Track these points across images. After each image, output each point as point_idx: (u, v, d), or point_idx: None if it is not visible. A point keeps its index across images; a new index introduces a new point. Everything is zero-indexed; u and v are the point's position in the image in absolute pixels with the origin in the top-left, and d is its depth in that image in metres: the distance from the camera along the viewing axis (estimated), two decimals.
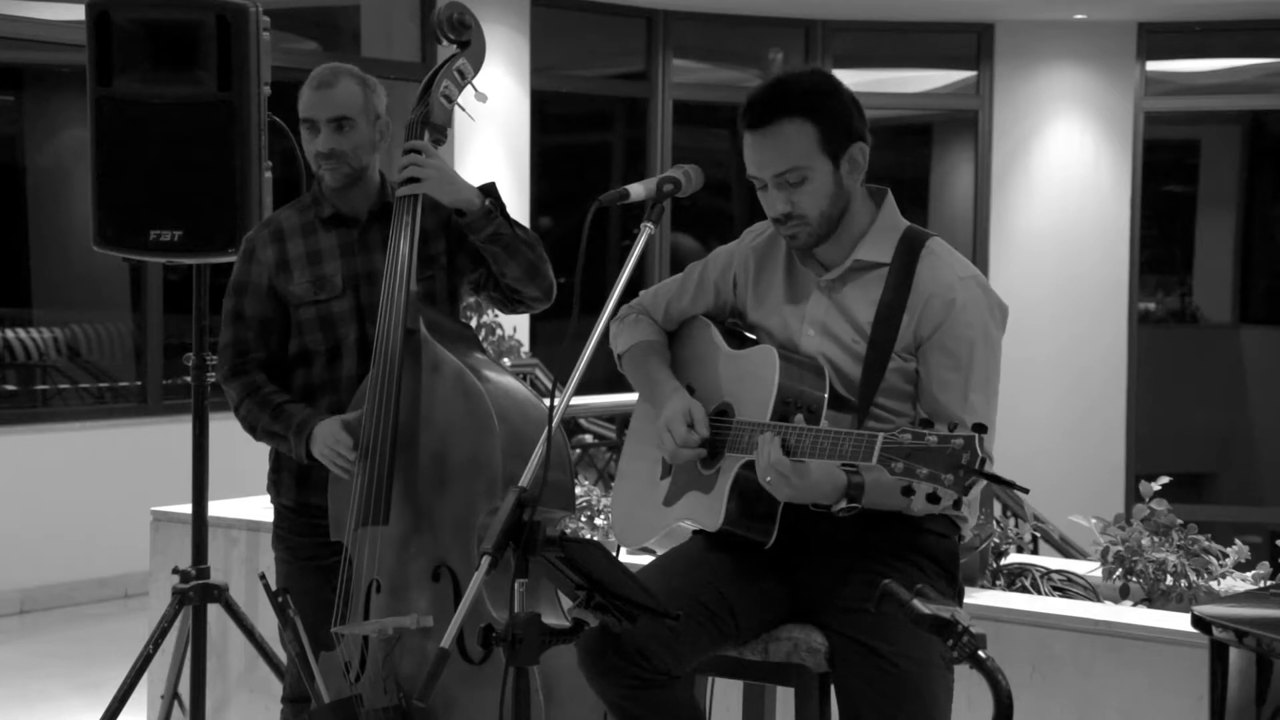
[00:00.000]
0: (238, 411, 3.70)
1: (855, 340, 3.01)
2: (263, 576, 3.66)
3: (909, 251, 3.02)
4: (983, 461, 2.55)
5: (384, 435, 3.45)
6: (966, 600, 3.93)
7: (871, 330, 2.99)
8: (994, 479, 2.58)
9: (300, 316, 3.69)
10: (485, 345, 8.71)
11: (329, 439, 3.51)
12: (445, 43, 3.73)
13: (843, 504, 2.88)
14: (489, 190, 3.61)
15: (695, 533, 3.14)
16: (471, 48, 3.73)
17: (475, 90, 3.74)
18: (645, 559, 3.28)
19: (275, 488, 3.81)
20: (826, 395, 2.95)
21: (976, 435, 2.55)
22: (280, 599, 3.54)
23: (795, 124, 2.95)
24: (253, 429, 3.68)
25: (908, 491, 2.59)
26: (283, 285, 3.69)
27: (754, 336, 3.19)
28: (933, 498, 2.58)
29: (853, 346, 3.01)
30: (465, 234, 3.71)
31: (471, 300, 3.92)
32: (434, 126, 3.67)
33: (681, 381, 3.18)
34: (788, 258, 3.14)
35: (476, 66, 3.73)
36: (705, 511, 3.02)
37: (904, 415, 3.00)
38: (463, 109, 3.74)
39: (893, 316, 2.98)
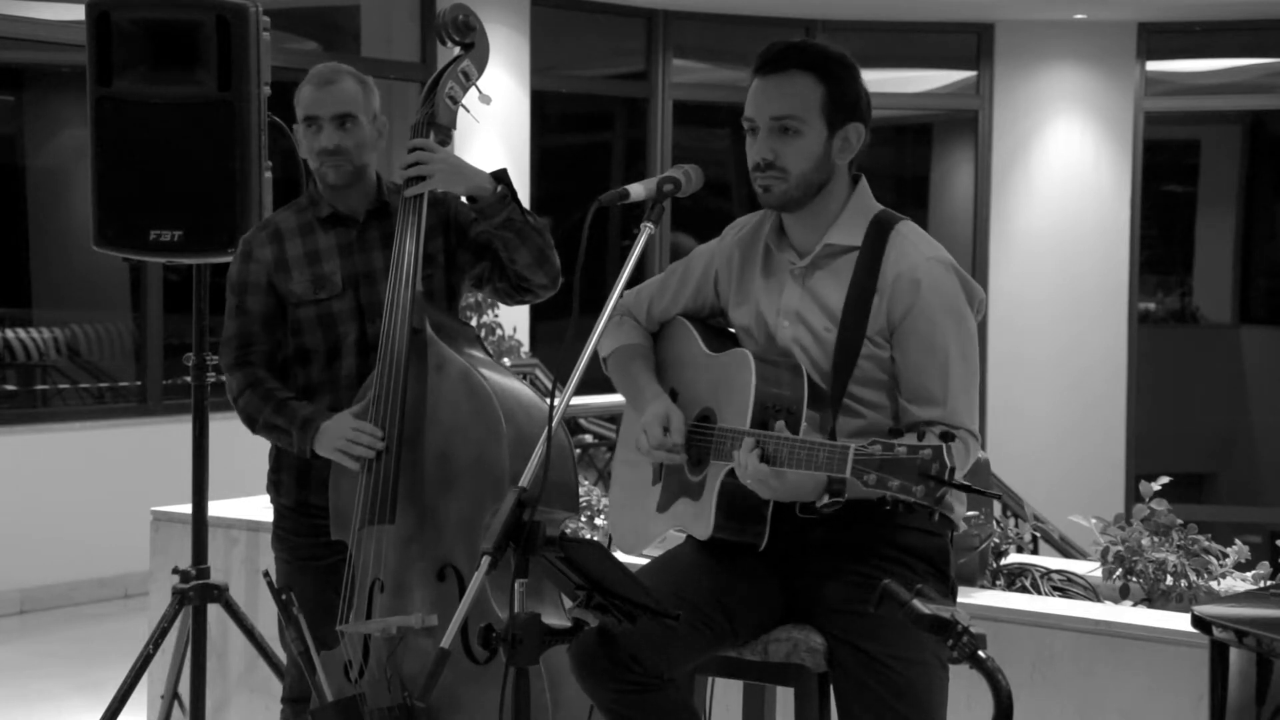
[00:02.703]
0: (237, 402, 3.68)
1: (828, 328, 3.01)
2: (266, 574, 3.66)
3: (878, 234, 3.02)
4: (951, 472, 2.55)
5: (390, 434, 3.45)
6: (966, 600, 3.93)
7: (843, 315, 2.99)
8: (962, 488, 2.59)
9: (299, 315, 3.69)
10: (485, 345, 8.75)
11: (345, 431, 3.49)
12: (449, 44, 3.74)
13: (825, 499, 2.88)
14: (500, 176, 3.61)
15: (689, 536, 3.14)
16: (475, 49, 3.73)
17: (479, 91, 3.74)
18: (642, 560, 3.28)
19: (275, 488, 3.81)
20: (805, 395, 2.95)
21: (945, 445, 2.56)
22: (284, 597, 3.54)
23: (807, 78, 2.98)
24: (252, 421, 3.67)
25: (883, 502, 2.60)
26: (282, 284, 3.69)
27: (733, 331, 3.19)
28: (908, 507, 2.58)
29: (824, 335, 3.01)
30: (466, 229, 3.71)
31: (472, 300, 3.93)
32: (439, 127, 3.67)
33: (666, 385, 3.18)
34: (765, 250, 3.13)
35: (480, 68, 3.73)
36: (695, 519, 3.02)
37: (880, 406, 2.99)
38: (467, 110, 3.74)
39: (863, 300, 2.98)
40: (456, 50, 3.74)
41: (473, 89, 3.73)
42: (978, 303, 3.04)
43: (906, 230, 3.04)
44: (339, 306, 3.67)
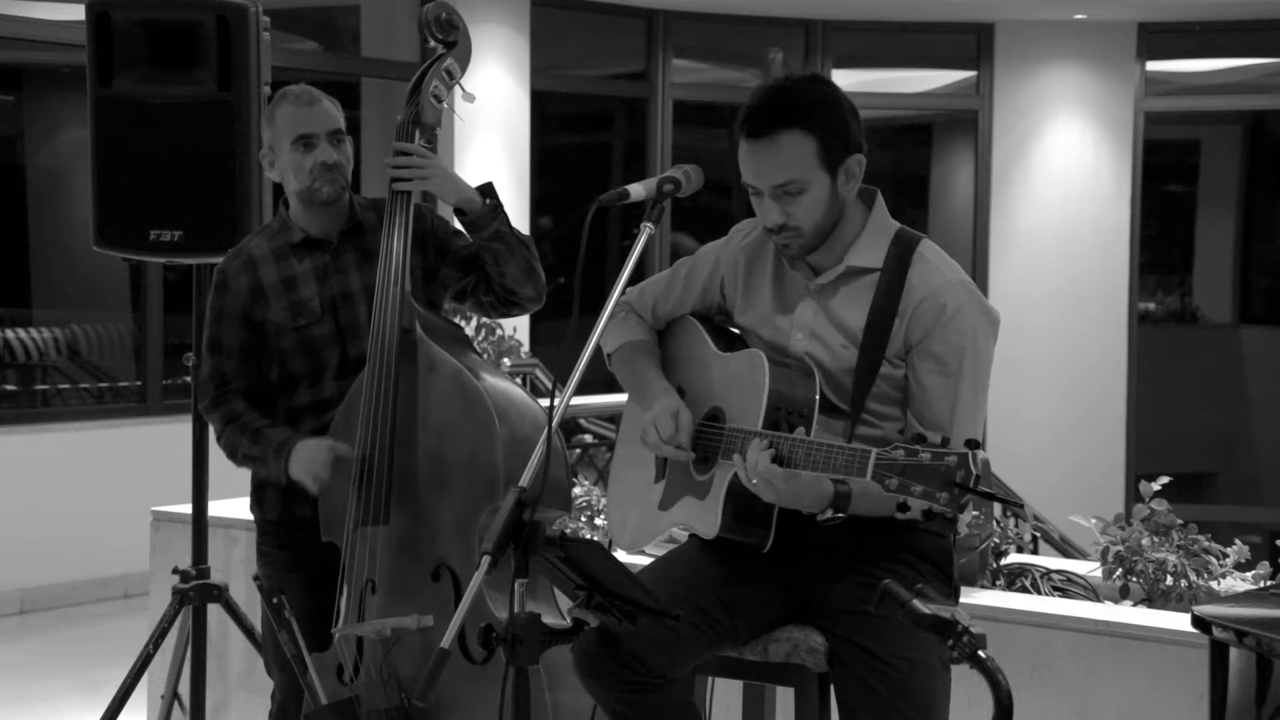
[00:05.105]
0: (219, 441, 3.67)
1: (844, 345, 3.00)
2: (256, 578, 3.66)
3: (900, 256, 3.00)
4: (976, 479, 2.54)
5: (382, 435, 3.44)
6: (966, 600, 3.93)
7: (863, 336, 2.98)
8: (989, 496, 2.57)
9: (281, 344, 3.65)
10: (486, 345, 8.75)
11: (309, 461, 3.49)
12: (432, 42, 3.72)
13: (829, 513, 2.88)
14: (487, 190, 3.61)
15: (691, 535, 3.14)
16: (458, 47, 3.71)
17: (463, 90, 3.73)
18: (643, 559, 3.28)
19: (259, 504, 3.75)
20: (817, 398, 2.94)
21: (970, 452, 2.54)
22: (275, 600, 3.53)
23: (795, 136, 2.93)
24: (233, 454, 3.65)
25: (903, 508, 2.59)
26: (260, 314, 3.65)
27: (740, 334, 3.19)
28: (928, 514, 2.58)
29: (841, 352, 3.00)
30: (446, 244, 3.70)
31: (464, 306, 3.90)
32: (424, 126, 3.65)
33: (671, 382, 3.17)
34: (776, 259, 3.12)
35: (463, 66, 3.72)
36: (701, 518, 3.02)
37: (894, 420, 2.99)
38: (451, 109, 3.73)
39: (884, 322, 2.97)
40: (439, 49, 3.72)
41: (456, 87, 3.72)
42: (997, 329, 3.04)
43: (928, 252, 3.02)
44: (319, 332, 3.64)
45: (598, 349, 2.97)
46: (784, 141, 2.93)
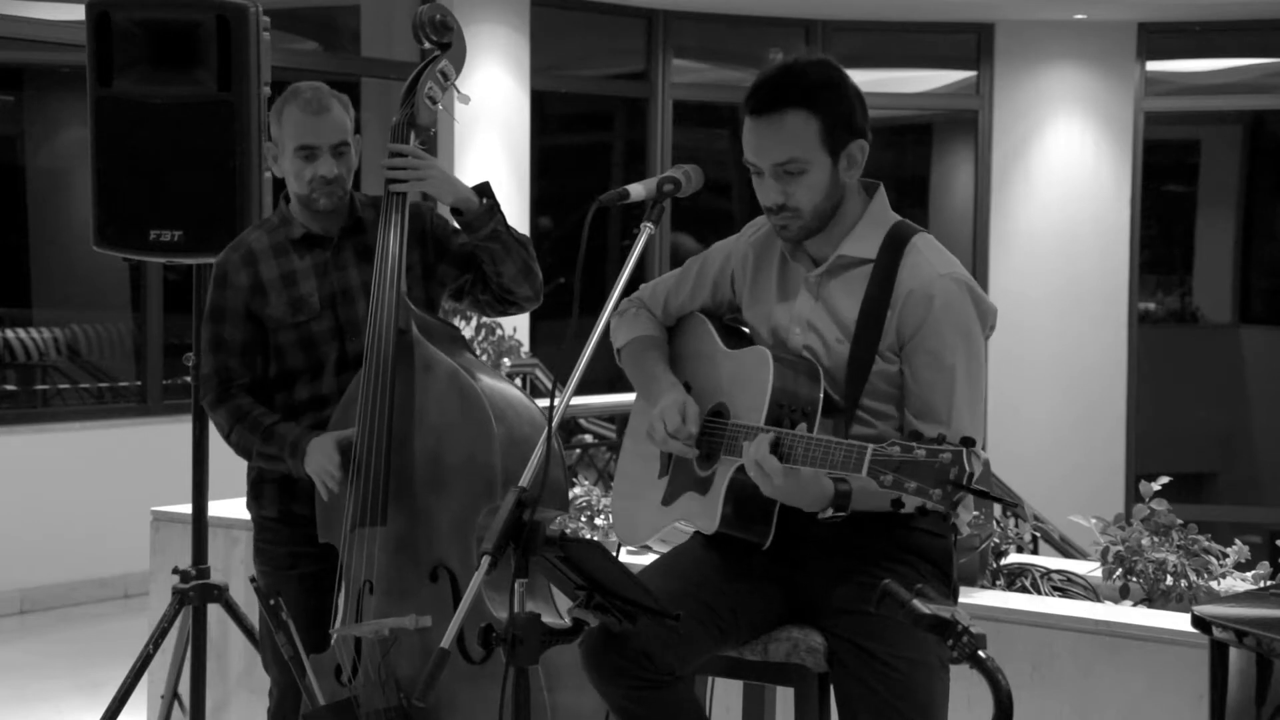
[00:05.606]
0: (229, 439, 3.66)
1: (839, 339, 3.00)
2: (253, 579, 3.65)
3: (894, 248, 3.00)
4: (970, 477, 2.54)
5: (379, 435, 3.44)
6: (966, 600, 3.93)
7: (856, 329, 2.98)
8: (981, 494, 2.58)
9: (280, 339, 3.65)
10: (485, 346, 8.75)
11: (322, 459, 3.48)
12: (427, 44, 3.72)
13: (829, 511, 2.88)
14: (484, 190, 3.61)
15: (695, 532, 3.14)
16: (453, 49, 3.71)
17: (458, 92, 3.73)
18: (645, 558, 3.28)
19: (256, 501, 3.76)
20: (821, 397, 2.95)
21: (964, 449, 2.54)
22: (273, 601, 3.53)
23: (799, 115, 2.94)
24: (247, 453, 3.65)
25: (897, 504, 2.60)
26: (259, 308, 3.66)
27: (749, 333, 3.19)
28: (922, 510, 2.58)
29: (836, 346, 3.00)
30: (445, 242, 3.70)
31: (461, 305, 3.90)
32: (419, 128, 3.65)
33: (679, 378, 3.18)
34: (782, 254, 3.13)
35: (458, 68, 3.71)
36: (701, 514, 3.02)
37: (889, 417, 2.99)
38: (446, 111, 3.73)
39: (877, 314, 2.97)
40: (434, 50, 3.72)
41: (451, 89, 3.71)
42: (990, 321, 3.03)
43: (922, 244, 3.02)
44: (318, 328, 3.65)
45: (598, 348, 2.97)
46: (788, 120, 2.94)
